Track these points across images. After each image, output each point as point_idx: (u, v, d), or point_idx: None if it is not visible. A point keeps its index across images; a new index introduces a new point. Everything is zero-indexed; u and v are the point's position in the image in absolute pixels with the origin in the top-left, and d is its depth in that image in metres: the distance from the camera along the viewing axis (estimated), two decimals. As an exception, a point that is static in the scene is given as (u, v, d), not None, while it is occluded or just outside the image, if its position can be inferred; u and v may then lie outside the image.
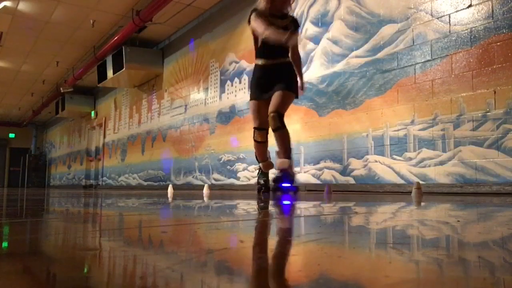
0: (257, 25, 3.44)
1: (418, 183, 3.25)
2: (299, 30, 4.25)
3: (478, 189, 3.34)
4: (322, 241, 1.00)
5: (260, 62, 3.66)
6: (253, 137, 3.71)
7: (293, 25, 3.68)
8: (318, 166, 4.88)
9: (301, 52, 5.38)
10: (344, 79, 4.59)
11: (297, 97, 3.74)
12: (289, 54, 3.71)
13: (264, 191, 3.90)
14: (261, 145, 3.71)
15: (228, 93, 6.68)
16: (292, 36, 3.34)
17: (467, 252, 0.89)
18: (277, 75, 3.59)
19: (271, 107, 3.51)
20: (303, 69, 5.19)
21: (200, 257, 0.82)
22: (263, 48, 3.60)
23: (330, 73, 4.78)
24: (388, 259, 0.80)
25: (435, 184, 3.65)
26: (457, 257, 0.82)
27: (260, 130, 3.66)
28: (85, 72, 10.19)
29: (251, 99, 3.76)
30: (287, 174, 3.58)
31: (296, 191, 3.78)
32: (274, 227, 1.44)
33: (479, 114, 3.39)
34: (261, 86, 3.66)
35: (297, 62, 3.81)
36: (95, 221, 1.78)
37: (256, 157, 3.87)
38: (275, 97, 3.52)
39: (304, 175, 5.07)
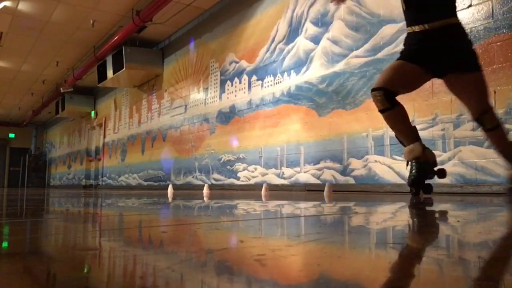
0: None
1: (418, 183, 3.23)
2: None
3: (478, 189, 3.33)
4: (322, 241, 1.00)
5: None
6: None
7: None
8: (318, 166, 4.88)
9: (301, 52, 5.41)
10: (344, 79, 4.59)
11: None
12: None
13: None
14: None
15: (228, 93, 6.68)
16: None
17: (467, 252, 0.89)
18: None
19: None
20: (303, 69, 5.21)
21: (200, 257, 0.82)
22: None
23: (330, 73, 4.78)
24: (388, 259, 0.80)
25: (435, 184, 3.64)
26: (457, 257, 0.82)
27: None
28: (85, 72, 10.19)
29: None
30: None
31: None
32: (276, 227, 1.44)
33: (479, 114, 3.39)
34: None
35: None
36: (95, 221, 1.78)
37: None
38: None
39: (304, 175, 5.07)
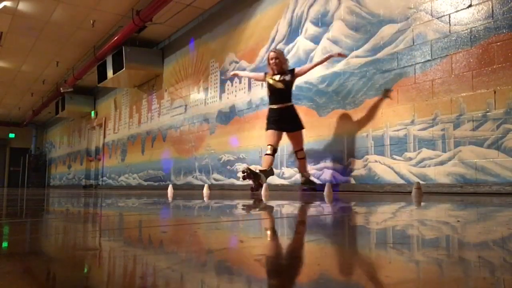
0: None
1: (418, 183, 3.24)
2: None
3: (478, 189, 3.34)
4: (322, 241, 1.00)
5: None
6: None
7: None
8: (318, 166, 4.88)
9: (301, 52, 5.40)
10: (344, 79, 4.59)
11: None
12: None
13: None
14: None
15: (228, 93, 6.68)
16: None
17: (467, 252, 0.89)
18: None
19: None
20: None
21: (200, 257, 0.82)
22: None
23: (330, 73, 4.78)
24: (388, 259, 0.80)
25: (435, 184, 3.65)
26: (457, 257, 0.82)
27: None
28: (85, 72, 10.19)
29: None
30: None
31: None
32: (276, 227, 1.44)
33: (479, 114, 3.39)
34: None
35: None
36: (95, 221, 1.79)
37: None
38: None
39: (304, 175, 5.06)
